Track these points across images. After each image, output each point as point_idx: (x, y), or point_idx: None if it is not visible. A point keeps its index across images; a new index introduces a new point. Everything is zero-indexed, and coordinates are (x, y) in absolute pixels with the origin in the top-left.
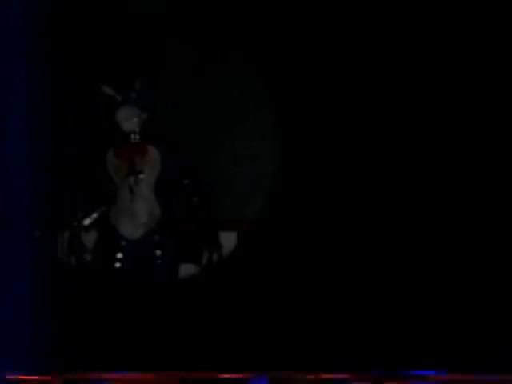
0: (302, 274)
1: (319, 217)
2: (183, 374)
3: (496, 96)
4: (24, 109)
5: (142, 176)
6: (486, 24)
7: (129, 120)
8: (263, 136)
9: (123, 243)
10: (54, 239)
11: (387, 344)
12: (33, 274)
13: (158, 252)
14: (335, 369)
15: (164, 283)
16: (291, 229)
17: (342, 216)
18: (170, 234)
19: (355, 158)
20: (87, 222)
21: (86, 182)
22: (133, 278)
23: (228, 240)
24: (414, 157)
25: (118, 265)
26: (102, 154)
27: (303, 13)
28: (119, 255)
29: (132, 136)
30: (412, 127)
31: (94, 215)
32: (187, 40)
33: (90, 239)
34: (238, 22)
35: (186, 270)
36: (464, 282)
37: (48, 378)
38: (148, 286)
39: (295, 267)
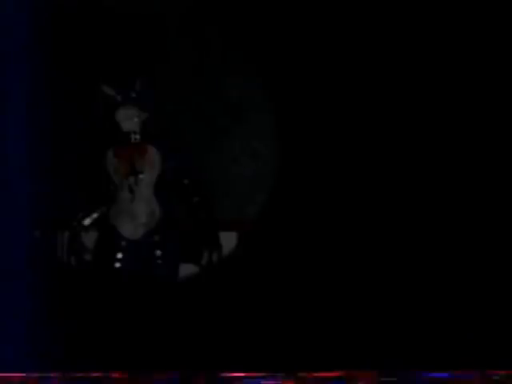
0: (302, 274)
1: (319, 217)
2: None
3: (496, 96)
4: (24, 109)
5: (141, 176)
6: (486, 24)
7: (129, 120)
8: (263, 136)
9: (123, 243)
10: (54, 239)
11: (387, 344)
12: (33, 274)
13: (158, 252)
14: (335, 368)
15: (164, 283)
16: (291, 229)
17: (343, 216)
18: (170, 234)
19: (356, 157)
20: (87, 221)
21: (86, 182)
22: (133, 278)
23: (228, 240)
24: (415, 156)
25: (118, 265)
26: (101, 153)
27: (303, 13)
28: (119, 255)
29: (132, 136)
30: (412, 127)
31: (94, 215)
32: (187, 40)
33: (90, 239)
34: (238, 21)
35: (186, 269)
36: (464, 283)
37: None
38: (148, 286)
39: (295, 267)
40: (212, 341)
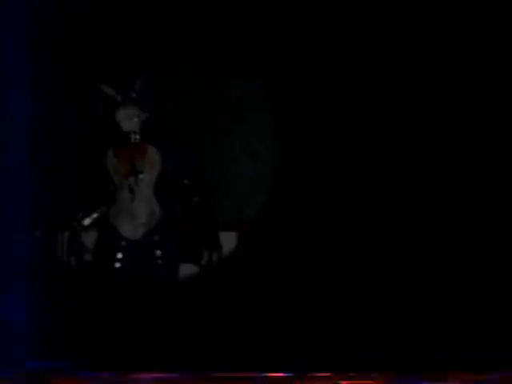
0: (302, 274)
1: (319, 217)
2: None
3: (496, 96)
4: (24, 108)
5: (141, 176)
6: (486, 24)
7: (129, 120)
8: (263, 136)
9: (123, 243)
10: (54, 239)
11: (387, 344)
12: (33, 274)
13: (158, 252)
14: (335, 369)
15: (164, 283)
16: (291, 229)
17: (343, 216)
18: (170, 234)
19: (356, 157)
20: (87, 221)
21: (86, 182)
22: (133, 278)
23: (228, 240)
24: (415, 156)
25: (118, 265)
26: (101, 153)
27: (303, 13)
28: (119, 255)
29: (132, 136)
30: (412, 127)
31: (94, 215)
32: (187, 40)
33: (90, 239)
34: (239, 21)
35: (186, 269)
36: (464, 283)
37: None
38: (148, 286)
39: (295, 267)
40: (212, 341)
